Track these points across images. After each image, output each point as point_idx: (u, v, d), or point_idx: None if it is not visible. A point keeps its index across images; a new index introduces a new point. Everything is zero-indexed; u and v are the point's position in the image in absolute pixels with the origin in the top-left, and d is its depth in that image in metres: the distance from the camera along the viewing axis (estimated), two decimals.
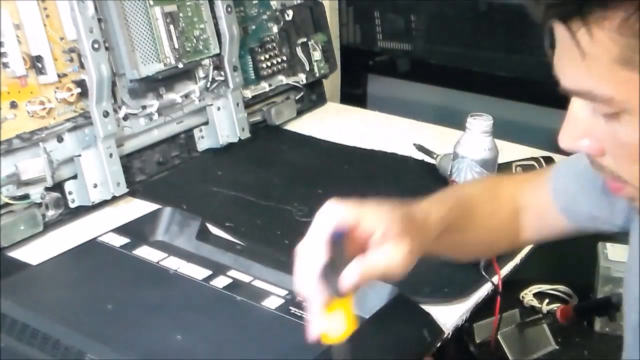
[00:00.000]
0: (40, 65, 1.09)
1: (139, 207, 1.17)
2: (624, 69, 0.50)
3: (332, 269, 0.63)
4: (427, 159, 1.35)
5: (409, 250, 0.65)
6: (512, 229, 0.86)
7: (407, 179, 1.31)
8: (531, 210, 0.85)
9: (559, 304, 1.33)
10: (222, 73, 1.38)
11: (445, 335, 0.89)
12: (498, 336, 1.19)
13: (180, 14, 1.29)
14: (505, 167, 1.20)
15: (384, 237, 0.65)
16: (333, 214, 0.65)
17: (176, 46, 1.27)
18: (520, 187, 0.87)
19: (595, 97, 0.53)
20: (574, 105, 0.58)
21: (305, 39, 1.60)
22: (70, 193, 1.12)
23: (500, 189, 0.87)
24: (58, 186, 1.10)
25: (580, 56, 0.51)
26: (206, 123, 1.38)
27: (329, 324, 0.63)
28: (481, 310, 0.99)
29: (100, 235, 1.00)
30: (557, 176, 0.84)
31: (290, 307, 0.86)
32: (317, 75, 1.62)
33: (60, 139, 1.11)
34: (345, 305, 0.64)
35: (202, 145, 1.38)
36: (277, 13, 1.55)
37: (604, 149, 0.57)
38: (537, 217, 0.85)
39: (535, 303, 1.34)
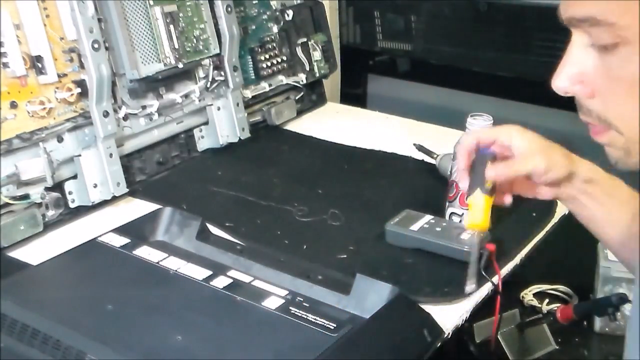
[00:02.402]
0: (40, 65, 1.09)
1: (139, 207, 1.17)
2: None
3: (481, 171, 0.84)
4: (427, 159, 1.35)
5: (547, 165, 0.82)
6: None
7: (407, 179, 1.31)
8: None
9: (559, 304, 1.33)
10: (222, 73, 1.38)
11: (445, 335, 0.89)
12: (498, 336, 1.18)
13: (180, 14, 1.29)
14: None
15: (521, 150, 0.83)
16: (473, 133, 0.88)
17: (176, 46, 1.27)
18: None
19: (599, 23, 0.56)
20: (573, 48, 0.61)
21: (305, 39, 1.60)
22: (70, 193, 1.12)
23: None
24: (58, 186, 1.10)
25: None
26: (206, 123, 1.38)
27: (472, 215, 0.84)
28: (481, 310, 0.99)
29: (100, 236, 1.00)
30: None
31: (290, 307, 0.86)
32: (317, 75, 1.62)
33: (60, 139, 1.11)
34: (487, 203, 0.83)
35: (202, 145, 1.38)
36: (277, 13, 1.55)
37: (595, 92, 0.61)
38: None
39: (535, 303, 1.34)
